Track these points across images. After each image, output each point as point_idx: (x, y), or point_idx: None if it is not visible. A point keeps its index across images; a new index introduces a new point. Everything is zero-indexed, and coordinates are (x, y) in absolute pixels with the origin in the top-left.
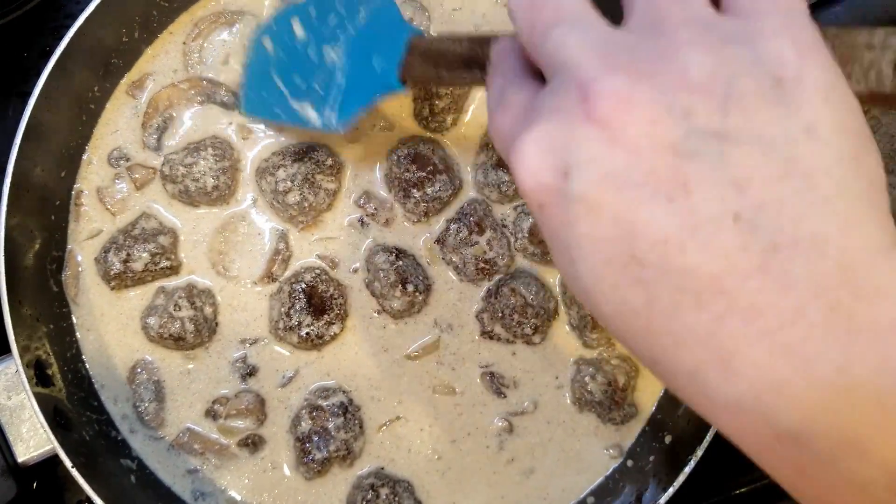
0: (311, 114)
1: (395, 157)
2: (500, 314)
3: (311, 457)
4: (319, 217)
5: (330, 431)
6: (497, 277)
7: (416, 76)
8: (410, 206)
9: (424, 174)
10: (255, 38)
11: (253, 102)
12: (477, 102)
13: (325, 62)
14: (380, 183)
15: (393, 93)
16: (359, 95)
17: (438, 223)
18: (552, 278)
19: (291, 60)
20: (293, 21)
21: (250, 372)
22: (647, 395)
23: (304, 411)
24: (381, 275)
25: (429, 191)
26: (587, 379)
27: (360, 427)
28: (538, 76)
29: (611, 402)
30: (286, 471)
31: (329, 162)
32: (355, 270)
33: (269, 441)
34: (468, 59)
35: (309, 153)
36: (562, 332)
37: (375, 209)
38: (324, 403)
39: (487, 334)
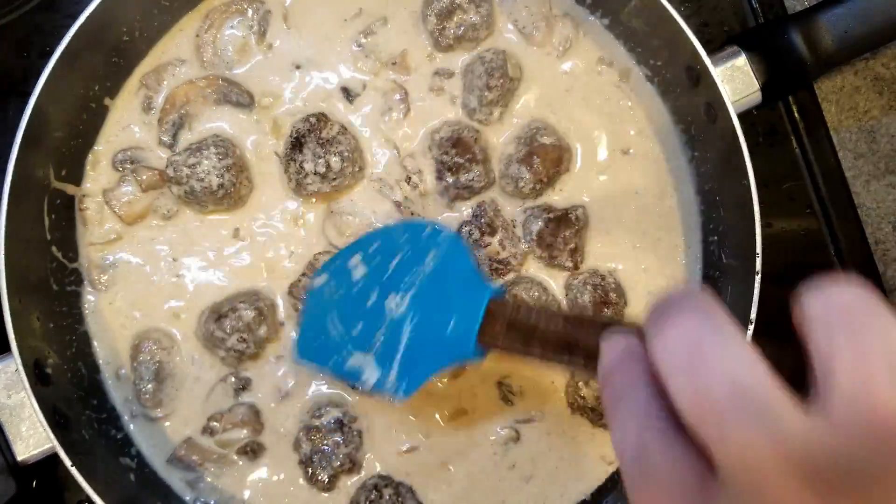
0: (370, 370)
1: (437, 138)
2: None
3: (317, 477)
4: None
5: (331, 449)
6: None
7: (499, 346)
8: (441, 188)
9: (462, 160)
10: (314, 280)
11: (308, 349)
12: (522, 102)
13: (386, 312)
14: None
15: (468, 361)
16: (427, 361)
17: (464, 210)
18: (554, 282)
19: (351, 307)
20: (354, 259)
21: (243, 386)
22: None
23: (301, 433)
24: None
25: (462, 178)
26: (581, 384)
27: (360, 437)
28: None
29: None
30: (286, 477)
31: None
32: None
33: (269, 448)
34: (567, 343)
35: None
36: None
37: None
38: (318, 423)
39: None
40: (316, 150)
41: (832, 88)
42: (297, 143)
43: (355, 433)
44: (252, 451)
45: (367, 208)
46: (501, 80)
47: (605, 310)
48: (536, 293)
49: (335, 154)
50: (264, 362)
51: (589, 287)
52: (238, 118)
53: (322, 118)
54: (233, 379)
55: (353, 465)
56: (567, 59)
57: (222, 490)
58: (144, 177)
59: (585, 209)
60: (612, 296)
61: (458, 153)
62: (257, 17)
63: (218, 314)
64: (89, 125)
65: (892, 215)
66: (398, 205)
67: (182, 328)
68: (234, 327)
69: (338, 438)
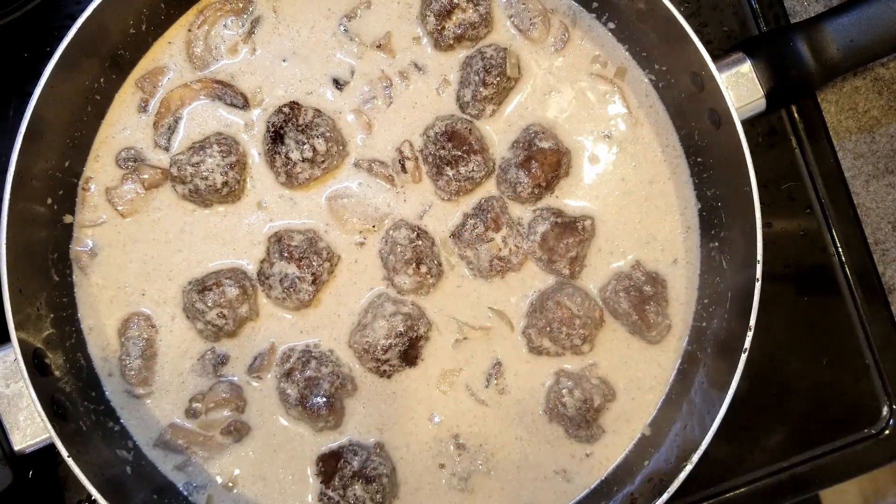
0: None
1: (431, 134)
2: (547, 328)
3: (315, 407)
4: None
5: (314, 378)
6: (535, 292)
7: None
8: (442, 183)
9: (460, 153)
10: None
11: None
12: (517, 102)
13: None
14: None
15: None
16: None
17: (468, 203)
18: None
19: None
20: None
21: (222, 361)
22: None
23: (282, 384)
24: (399, 249)
25: (462, 170)
26: (564, 392)
27: (336, 355)
28: None
29: (581, 420)
30: (280, 433)
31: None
32: (361, 243)
33: (254, 425)
34: None
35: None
36: (608, 338)
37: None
38: (288, 365)
39: (536, 350)
40: (298, 137)
41: (832, 89)
42: (276, 137)
43: (328, 354)
44: (237, 431)
45: (360, 190)
46: (498, 79)
47: (647, 307)
48: (579, 299)
49: (318, 136)
50: (243, 339)
51: (622, 293)
52: (233, 119)
53: (294, 106)
54: (210, 354)
55: (342, 382)
56: (562, 56)
57: (211, 471)
58: (147, 175)
59: (594, 221)
60: (647, 289)
61: (454, 146)
62: (250, 16)
63: (202, 286)
64: (93, 116)
65: (891, 215)
66: (391, 179)
67: (170, 307)
68: (216, 301)
69: (313, 365)
